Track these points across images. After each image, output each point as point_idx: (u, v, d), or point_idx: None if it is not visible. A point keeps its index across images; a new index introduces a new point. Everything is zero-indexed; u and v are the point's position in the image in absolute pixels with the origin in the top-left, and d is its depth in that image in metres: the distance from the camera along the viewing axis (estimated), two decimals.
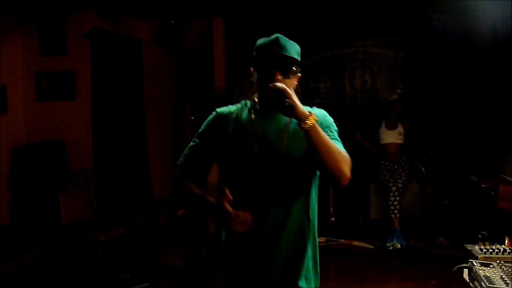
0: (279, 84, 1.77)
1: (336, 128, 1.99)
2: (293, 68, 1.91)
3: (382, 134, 5.79)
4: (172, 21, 6.21)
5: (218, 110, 2.05)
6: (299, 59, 1.94)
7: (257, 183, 1.92)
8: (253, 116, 1.99)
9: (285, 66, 1.89)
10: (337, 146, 1.84)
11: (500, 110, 4.87)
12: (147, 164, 6.43)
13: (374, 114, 6.12)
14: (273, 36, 1.93)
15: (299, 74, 1.97)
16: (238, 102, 2.08)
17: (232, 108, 2.06)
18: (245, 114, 2.02)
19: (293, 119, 1.83)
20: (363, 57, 6.47)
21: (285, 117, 1.90)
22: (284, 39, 1.93)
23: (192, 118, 7.85)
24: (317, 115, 1.84)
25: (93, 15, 5.53)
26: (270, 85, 1.78)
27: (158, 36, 6.30)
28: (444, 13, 5.83)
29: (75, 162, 5.41)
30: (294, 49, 1.92)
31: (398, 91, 6.35)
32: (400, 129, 5.73)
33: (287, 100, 1.73)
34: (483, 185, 4.63)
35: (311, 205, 1.98)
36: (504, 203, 4.29)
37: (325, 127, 1.91)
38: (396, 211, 5.52)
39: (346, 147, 1.90)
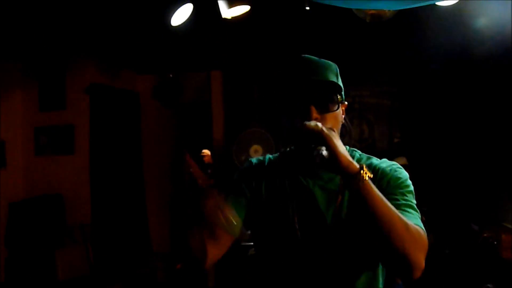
0: (311, 123, 1.28)
1: (411, 189, 1.42)
2: (334, 96, 1.43)
3: None
4: (170, 75, 6.30)
5: (254, 159, 1.61)
6: (340, 82, 1.49)
7: (302, 272, 1.44)
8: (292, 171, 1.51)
9: (322, 95, 1.41)
10: (406, 218, 1.26)
11: (501, 157, 4.86)
12: (146, 217, 6.37)
13: None
14: (298, 58, 1.48)
15: (346, 103, 1.51)
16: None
17: (270, 157, 1.61)
18: (284, 167, 1.54)
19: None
20: (360, 107, 6.53)
21: None
22: (313, 59, 1.48)
23: (191, 170, 7.83)
24: (380, 168, 1.43)
25: (93, 69, 5.62)
26: (301, 125, 1.29)
27: (157, 89, 6.38)
28: (439, 61, 5.90)
29: (73, 216, 5.35)
30: (330, 70, 1.47)
31: (396, 139, 6.37)
32: None
33: (321, 148, 1.23)
34: (485, 235, 4.57)
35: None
36: (507, 253, 4.22)
37: (392, 188, 1.39)
38: None
39: None
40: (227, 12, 3.31)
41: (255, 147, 5.00)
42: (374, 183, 1.26)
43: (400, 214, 1.24)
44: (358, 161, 1.49)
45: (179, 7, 3.53)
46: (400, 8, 2.78)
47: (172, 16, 3.57)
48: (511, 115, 4.56)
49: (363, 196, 1.22)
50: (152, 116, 6.55)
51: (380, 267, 1.46)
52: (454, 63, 5.64)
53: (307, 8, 3.47)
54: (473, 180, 5.52)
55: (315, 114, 1.38)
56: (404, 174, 1.44)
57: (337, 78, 1.49)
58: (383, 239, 1.22)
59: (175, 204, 6.95)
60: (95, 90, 5.50)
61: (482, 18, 3.86)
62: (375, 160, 1.50)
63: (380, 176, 1.43)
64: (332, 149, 1.23)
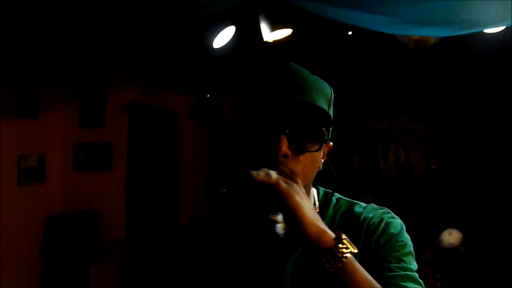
0: (260, 173, 0.88)
1: (410, 249, 1.05)
2: (319, 129, 1.00)
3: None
4: (208, 95, 6.36)
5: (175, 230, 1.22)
6: (331, 113, 1.05)
7: None
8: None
9: (302, 124, 0.97)
10: None
11: None
12: None
13: (408, 190, 6.03)
14: (280, 64, 1.06)
15: (331, 144, 1.07)
16: None
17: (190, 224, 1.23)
18: (212, 231, 1.17)
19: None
20: (397, 132, 6.45)
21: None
22: (301, 71, 1.04)
23: (224, 190, 7.84)
24: (366, 220, 1.07)
25: (132, 87, 5.70)
26: (246, 174, 0.88)
27: (194, 109, 6.45)
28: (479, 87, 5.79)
29: (108, 232, 5.40)
30: (321, 92, 1.03)
31: (433, 166, 6.26)
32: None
33: (275, 217, 0.84)
34: None
35: None
36: None
37: (385, 251, 1.03)
38: None
39: None
40: (269, 36, 3.33)
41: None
42: (357, 244, 0.92)
43: None
44: (335, 208, 1.11)
45: (222, 29, 3.56)
46: (447, 35, 2.74)
47: (214, 38, 3.61)
48: None
49: (341, 281, 0.85)
50: (189, 135, 6.61)
51: None
52: (495, 89, 5.54)
53: (350, 33, 3.47)
54: None
55: (284, 148, 0.93)
56: (399, 226, 1.07)
57: (329, 106, 1.05)
58: None
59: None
60: (134, 109, 5.58)
61: None
62: (358, 208, 1.10)
63: (366, 232, 1.05)
64: (294, 214, 0.84)
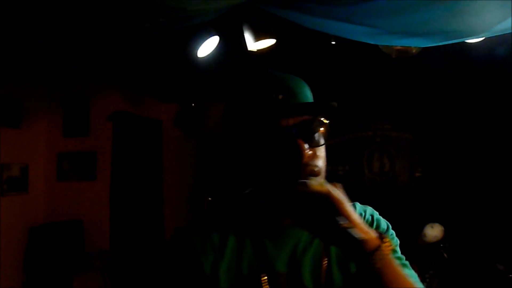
0: (313, 183, 0.95)
1: (396, 238, 1.20)
2: (319, 121, 1.06)
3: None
4: (193, 104, 6.36)
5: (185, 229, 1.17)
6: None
7: None
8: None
9: (310, 124, 1.04)
10: (414, 282, 1.03)
11: None
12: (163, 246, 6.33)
13: (392, 198, 6.08)
14: (262, 73, 1.09)
15: (326, 122, 1.10)
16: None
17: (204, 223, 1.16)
18: (234, 234, 1.12)
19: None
20: (381, 140, 6.49)
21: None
22: (285, 77, 1.09)
23: (210, 199, 7.82)
24: (376, 220, 1.19)
25: (117, 96, 5.69)
26: (297, 185, 0.95)
27: (179, 118, 6.44)
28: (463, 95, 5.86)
29: (92, 242, 5.36)
30: (306, 86, 1.11)
31: (417, 174, 6.31)
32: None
33: (341, 219, 0.93)
34: (510, 275, 4.46)
35: None
36: None
37: None
38: None
39: None
40: (253, 45, 3.34)
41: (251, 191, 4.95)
42: None
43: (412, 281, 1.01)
44: (361, 215, 1.18)
45: (206, 39, 3.57)
46: (429, 46, 2.78)
47: (199, 48, 3.61)
48: None
49: (380, 275, 0.94)
50: (174, 144, 6.59)
51: None
52: (480, 97, 5.61)
53: (333, 42, 3.49)
54: (498, 218, 5.42)
55: (305, 151, 1.00)
56: (386, 223, 1.22)
57: (311, 96, 1.12)
58: None
59: None
60: (118, 118, 5.56)
61: (507, 49, 3.85)
62: (370, 210, 1.24)
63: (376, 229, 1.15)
64: (348, 218, 0.93)
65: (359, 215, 0.99)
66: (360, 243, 0.94)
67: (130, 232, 5.64)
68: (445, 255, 5.75)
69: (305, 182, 0.95)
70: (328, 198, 0.93)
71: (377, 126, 6.51)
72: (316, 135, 1.05)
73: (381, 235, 0.98)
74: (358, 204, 1.22)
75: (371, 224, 1.17)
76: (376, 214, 1.22)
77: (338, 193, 0.95)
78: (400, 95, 6.00)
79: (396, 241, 1.18)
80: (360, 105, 6.31)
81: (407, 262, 1.13)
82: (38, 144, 5.53)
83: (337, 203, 0.93)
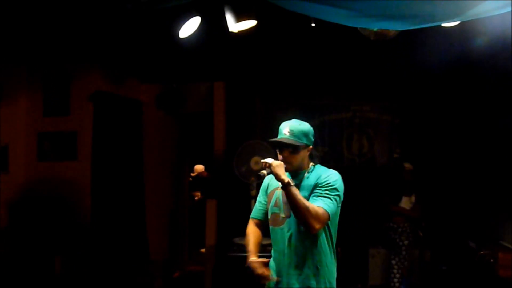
0: (267, 160, 2.41)
1: (335, 187, 2.44)
2: (290, 147, 2.45)
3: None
4: (174, 85, 6.36)
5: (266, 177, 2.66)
6: (304, 139, 2.47)
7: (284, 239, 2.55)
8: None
9: (280, 147, 2.50)
10: (315, 203, 2.36)
11: (500, 176, 4.90)
12: (144, 225, 6.39)
13: (371, 178, 6.21)
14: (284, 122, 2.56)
15: (310, 146, 2.54)
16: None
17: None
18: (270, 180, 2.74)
19: (309, 177, 2.50)
20: (360, 121, 6.58)
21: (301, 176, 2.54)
22: (283, 125, 2.54)
23: (190, 179, 7.89)
24: (320, 176, 2.47)
25: (98, 76, 5.66)
26: (262, 160, 2.45)
27: (160, 98, 6.45)
28: (440, 77, 5.95)
29: (73, 222, 5.38)
30: (298, 130, 2.49)
31: (395, 155, 6.43)
32: (412, 198, 5.65)
33: (263, 170, 2.42)
34: (482, 252, 4.61)
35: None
36: (504, 271, 4.26)
37: (321, 186, 2.43)
38: (396, 280, 5.47)
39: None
40: (234, 26, 3.37)
41: (256, 158, 5.02)
42: (313, 184, 2.48)
43: (306, 202, 2.33)
44: (313, 170, 2.57)
45: (187, 19, 3.59)
46: (406, 29, 2.84)
47: (180, 28, 3.63)
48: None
49: (288, 193, 2.34)
50: (155, 124, 6.60)
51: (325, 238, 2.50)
52: (455, 80, 5.71)
53: (313, 24, 3.54)
54: (471, 198, 5.56)
55: (281, 155, 2.50)
56: (334, 180, 2.45)
57: (306, 136, 2.52)
58: (294, 213, 2.38)
59: (175, 213, 6.99)
60: (99, 98, 5.55)
61: (483, 36, 3.94)
62: (323, 173, 2.51)
63: (318, 180, 2.47)
64: (273, 170, 2.36)
65: (283, 172, 2.39)
66: (278, 179, 2.37)
67: (110, 212, 5.65)
68: (421, 233, 5.92)
69: (265, 159, 2.45)
70: (271, 163, 2.39)
71: (356, 107, 6.59)
72: (289, 151, 2.50)
73: (290, 181, 2.36)
74: (323, 168, 2.60)
75: (321, 178, 2.48)
76: (331, 173, 2.52)
77: (276, 163, 2.40)
78: (379, 77, 6.08)
79: (335, 190, 2.45)
80: (339, 87, 6.39)
81: (330, 198, 2.41)
82: (18, 124, 5.49)
83: (273, 166, 2.38)
